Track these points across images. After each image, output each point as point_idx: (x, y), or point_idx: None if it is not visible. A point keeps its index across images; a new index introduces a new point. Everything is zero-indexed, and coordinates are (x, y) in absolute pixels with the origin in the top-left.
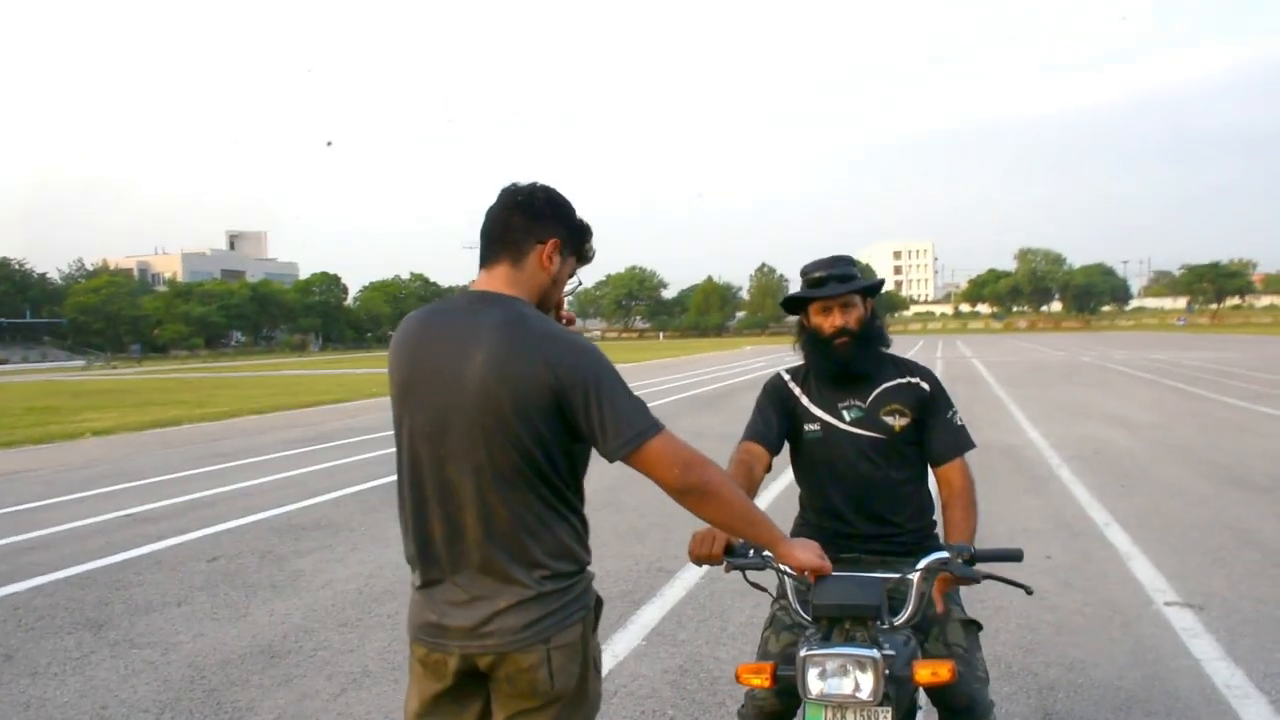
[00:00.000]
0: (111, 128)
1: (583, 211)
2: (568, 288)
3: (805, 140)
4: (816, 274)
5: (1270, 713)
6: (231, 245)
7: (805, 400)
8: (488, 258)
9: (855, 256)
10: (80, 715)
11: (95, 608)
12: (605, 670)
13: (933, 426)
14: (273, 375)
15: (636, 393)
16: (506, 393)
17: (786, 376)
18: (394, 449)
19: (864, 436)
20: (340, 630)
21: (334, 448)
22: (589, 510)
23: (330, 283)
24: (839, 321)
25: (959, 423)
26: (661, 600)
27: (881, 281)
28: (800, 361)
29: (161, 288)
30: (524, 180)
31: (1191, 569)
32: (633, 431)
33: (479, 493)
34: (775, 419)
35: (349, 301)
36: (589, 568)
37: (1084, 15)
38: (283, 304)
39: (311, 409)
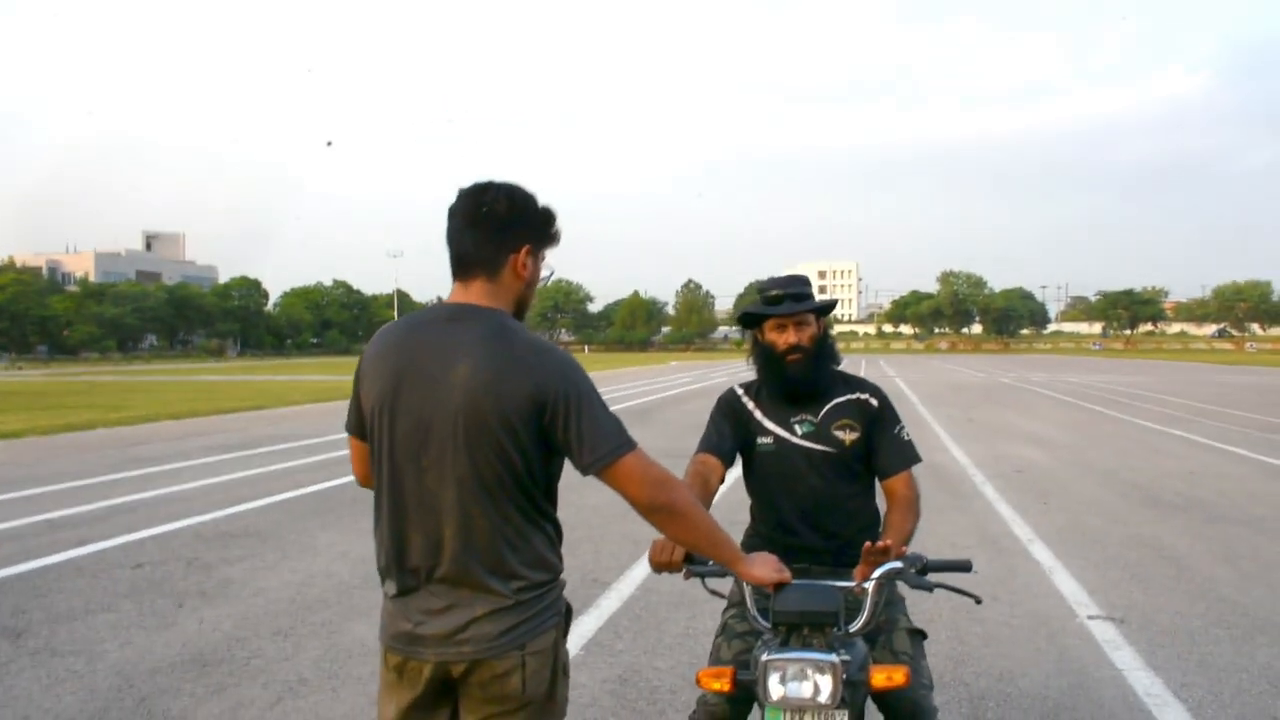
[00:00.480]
0: (37, 121)
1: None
2: (542, 277)
3: (731, 159)
4: (773, 292)
5: (1188, 719)
6: (148, 246)
7: (759, 414)
8: (461, 274)
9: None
10: None
11: (12, 615)
12: None
13: (880, 441)
14: (190, 380)
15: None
16: (492, 404)
17: (740, 391)
18: (318, 457)
19: (815, 450)
20: (274, 639)
21: (258, 455)
22: None
23: (250, 287)
24: (792, 339)
25: (906, 438)
26: (598, 611)
27: (835, 301)
28: (752, 376)
29: (72, 288)
30: (470, 179)
31: (1112, 583)
32: (609, 447)
33: (460, 504)
34: (729, 431)
35: (269, 307)
36: (561, 575)
37: (1004, 50)
38: (200, 308)
39: (232, 415)
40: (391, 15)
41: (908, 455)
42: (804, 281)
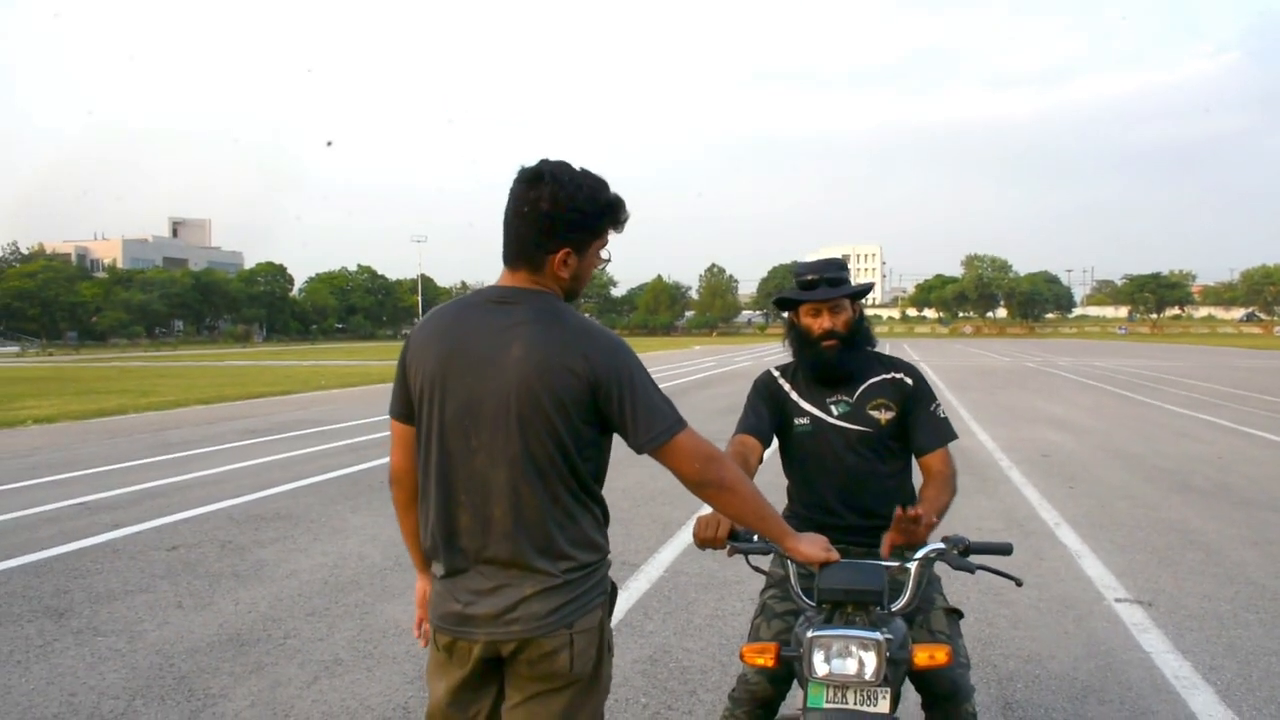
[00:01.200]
0: (65, 111)
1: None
2: (601, 262)
3: (756, 143)
4: (809, 276)
5: (1216, 701)
6: (174, 232)
7: (795, 395)
8: (508, 261)
9: (806, 260)
10: (48, 703)
11: (54, 596)
12: None
13: (916, 419)
14: (217, 366)
15: None
16: (545, 386)
17: (776, 373)
18: (346, 441)
19: (852, 430)
20: (308, 619)
21: (287, 439)
22: None
23: (276, 273)
24: (827, 324)
25: (941, 415)
26: (627, 593)
27: (870, 285)
28: (787, 358)
29: (101, 274)
30: (491, 160)
31: (1139, 567)
32: (663, 426)
33: (511, 484)
34: (767, 413)
35: (294, 293)
36: (608, 555)
37: (1031, 31)
38: (226, 294)
39: (260, 400)
40: (390, 16)
41: (944, 433)
42: (839, 266)
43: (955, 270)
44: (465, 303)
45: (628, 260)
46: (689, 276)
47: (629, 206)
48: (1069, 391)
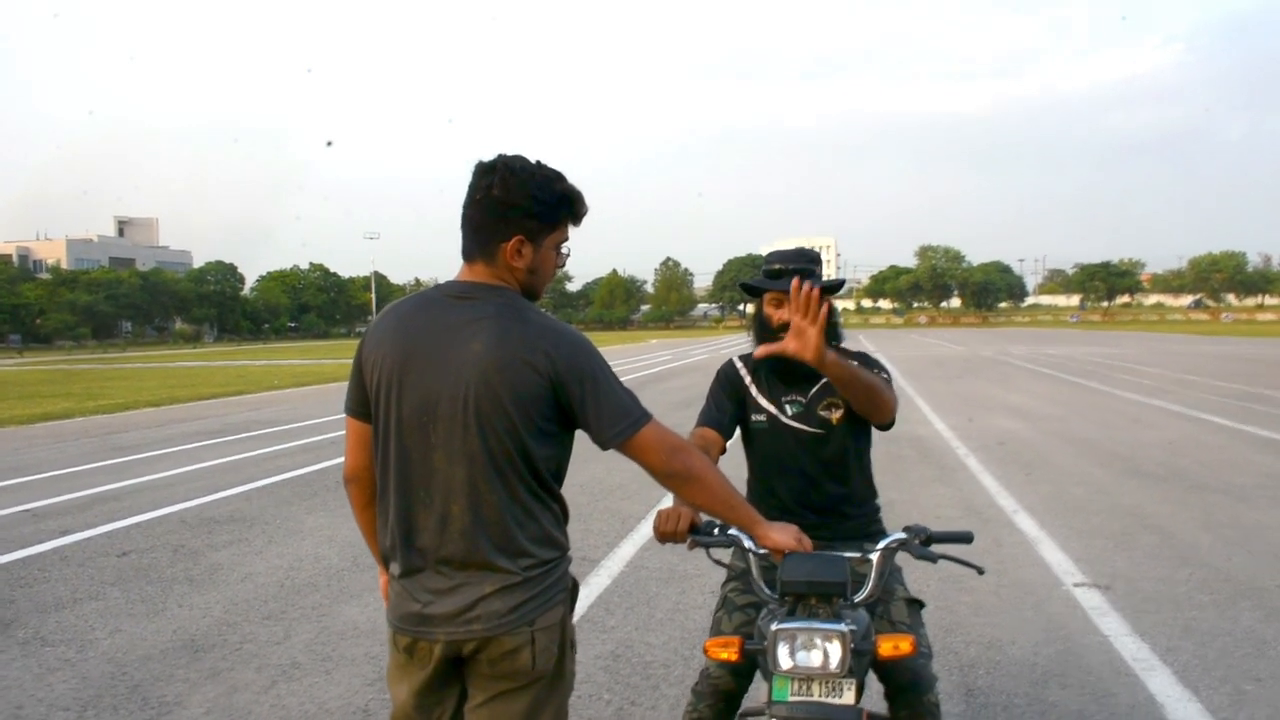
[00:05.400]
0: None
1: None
2: (560, 259)
3: (709, 134)
4: (776, 266)
5: (1174, 682)
6: (121, 232)
7: (754, 390)
8: (465, 253)
9: (760, 252)
10: None
11: (0, 606)
12: None
13: None
14: (167, 367)
15: None
16: (505, 382)
17: (739, 363)
18: (300, 441)
19: (805, 431)
20: (265, 623)
21: (239, 440)
22: None
23: (226, 272)
24: (788, 316)
25: (885, 376)
26: (588, 589)
27: (840, 282)
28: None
29: (44, 275)
30: (494, 153)
31: (1096, 552)
32: (628, 421)
33: (470, 481)
34: (728, 405)
35: (246, 292)
36: (568, 552)
37: (985, 23)
38: (175, 293)
39: (212, 401)
40: (390, 16)
41: (874, 368)
42: (810, 258)
43: (909, 261)
44: (424, 298)
45: (583, 255)
46: (644, 270)
47: (587, 200)
48: (1024, 380)
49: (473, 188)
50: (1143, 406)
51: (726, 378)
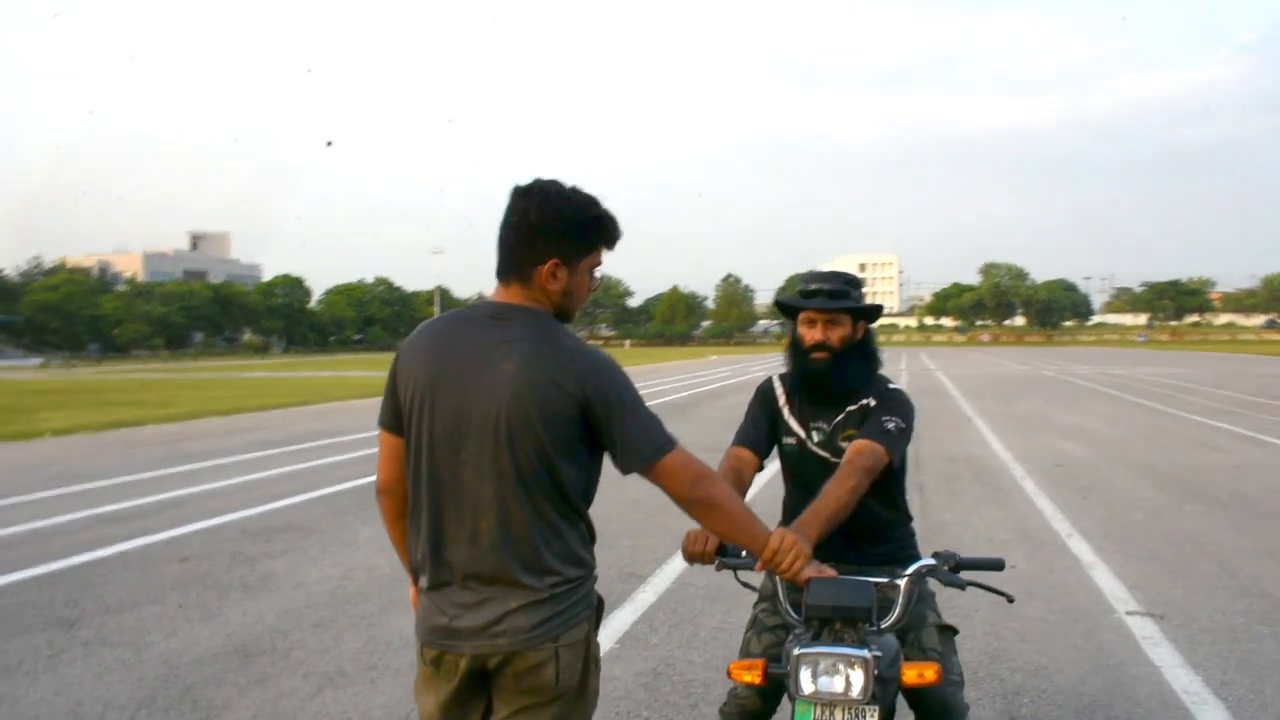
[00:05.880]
0: (80, 126)
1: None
2: (594, 282)
3: (772, 151)
4: (810, 286)
5: (1227, 717)
6: (194, 245)
7: (786, 412)
8: (500, 275)
9: (821, 270)
10: (55, 713)
11: (65, 607)
12: None
13: (865, 425)
14: (235, 377)
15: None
16: (535, 402)
17: (776, 382)
18: (360, 453)
19: (828, 460)
20: (315, 631)
21: (300, 451)
22: None
23: (294, 285)
24: (819, 336)
25: (890, 426)
26: (633, 605)
27: (878, 307)
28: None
29: (122, 287)
30: (533, 175)
31: (1151, 579)
32: (652, 447)
33: (499, 497)
34: (764, 423)
35: (313, 305)
36: (594, 570)
37: (1049, 37)
38: (245, 306)
39: (276, 411)
40: (391, 15)
41: (879, 433)
42: (846, 280)
43: (972, 278)
44: (459, 316)
45: (644, 271)
46: (705, 286)
47: (643, 216)
48: (1085, 400)
49: (509, 210)
50: (1209, 429)
51: (764, 396)
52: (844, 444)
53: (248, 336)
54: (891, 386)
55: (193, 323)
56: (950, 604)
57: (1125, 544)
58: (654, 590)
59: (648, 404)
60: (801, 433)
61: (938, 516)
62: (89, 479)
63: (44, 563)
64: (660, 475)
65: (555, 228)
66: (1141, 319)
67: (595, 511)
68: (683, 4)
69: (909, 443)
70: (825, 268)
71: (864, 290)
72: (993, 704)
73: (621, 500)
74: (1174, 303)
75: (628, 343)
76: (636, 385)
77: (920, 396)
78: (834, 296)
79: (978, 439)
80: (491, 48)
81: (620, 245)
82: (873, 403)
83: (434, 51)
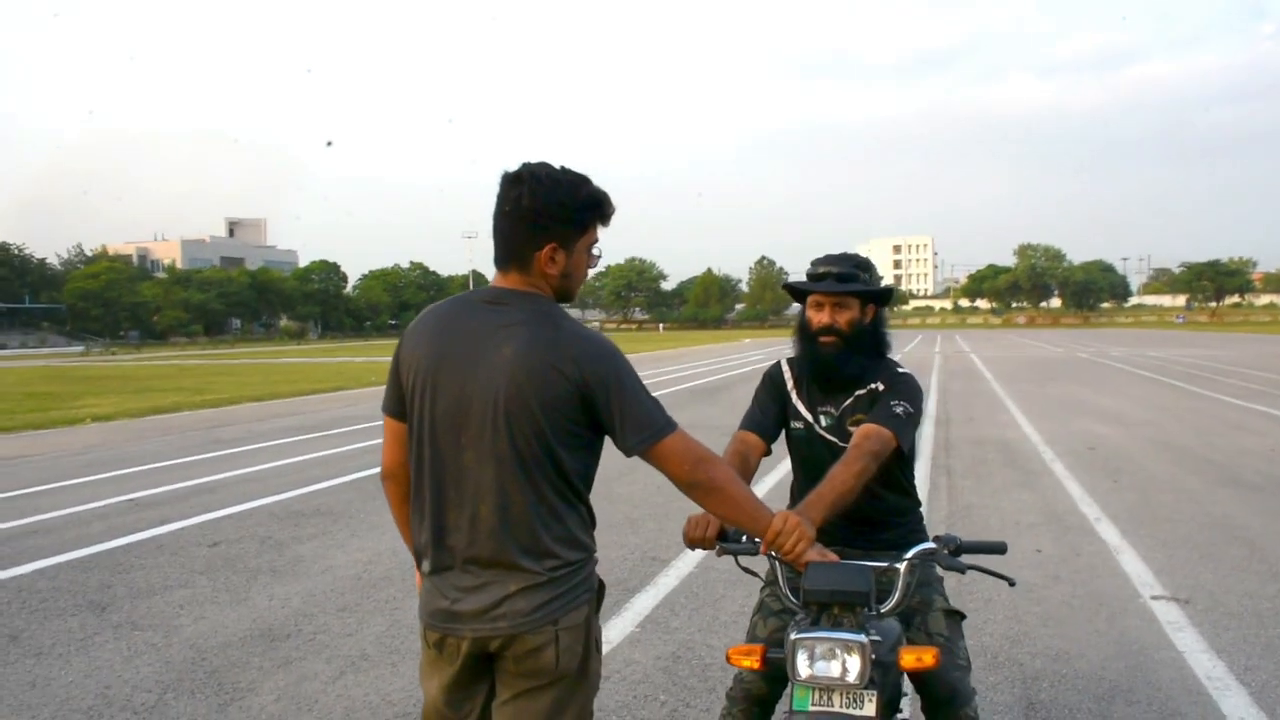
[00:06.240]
0: (114, 117)
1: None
2: (592, 260)
3: (805, 135)
4: (820, 269)
5: (1250, 703)
6: (231, 233)
7: (795, 396)
8: (499, 263)
9: (856, 251)
10: (84, 695)
11: (98, 590)
12: None
13: (873, 410)
14: (272, 363)
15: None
16: (534, 386)
17: (784, 366)
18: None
19: (836, 444)
20: (339, 615)
21: (333, 435)
22: None
23: (329, 271)
24: (827, 320)
25: (899, 411)
26: (655, 589)
27: (888, 290)
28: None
29: (161, 274)
30: (522, 160)
31: (1179, 563)
32: (652, 429)
33: (499, 481)
34: (772, 408)
35: (348, 290)
36: (594, 554)
37: (1084, 17)
38: (282, 292)
39: (310, 397)
40: (393, 15)
41: (888, 418)
42: (855, 262)
43: (1008, 260)
44: (460, 301)
45: (677, 253)
46: (739, 269)
47: (679, 197)
48: (1121, 383)
49: (501, 199)
50: (1246, 412)
51: (771, 380)
52: (852, 428)
53: (284, 322)
54: (900, 370)
55: (230, 309)
56: (970, 589)
57: (1154, 528)
58: (676, 574)
59: (674, 388)
60: (809, 417)
61: (965, 500)
62: (126, 464)
63: (79, 547)
64: (660, 458)
65: (549, 212)
66: (1180, 300)
67: (621, 495)
68: None
69: (918, 427)
70: (860, 249)
71: (877, 273)
72: (1011, 688)
73: (648, 484)
74: (1213, 283)
75: (661, 326)
76: (669, 369)
77: (952, 379)
78: (842, 279)
79: (1009, 422)
80: (492, 47)
81: (654, 228)
82: (881, 387)
83: (434, 52)
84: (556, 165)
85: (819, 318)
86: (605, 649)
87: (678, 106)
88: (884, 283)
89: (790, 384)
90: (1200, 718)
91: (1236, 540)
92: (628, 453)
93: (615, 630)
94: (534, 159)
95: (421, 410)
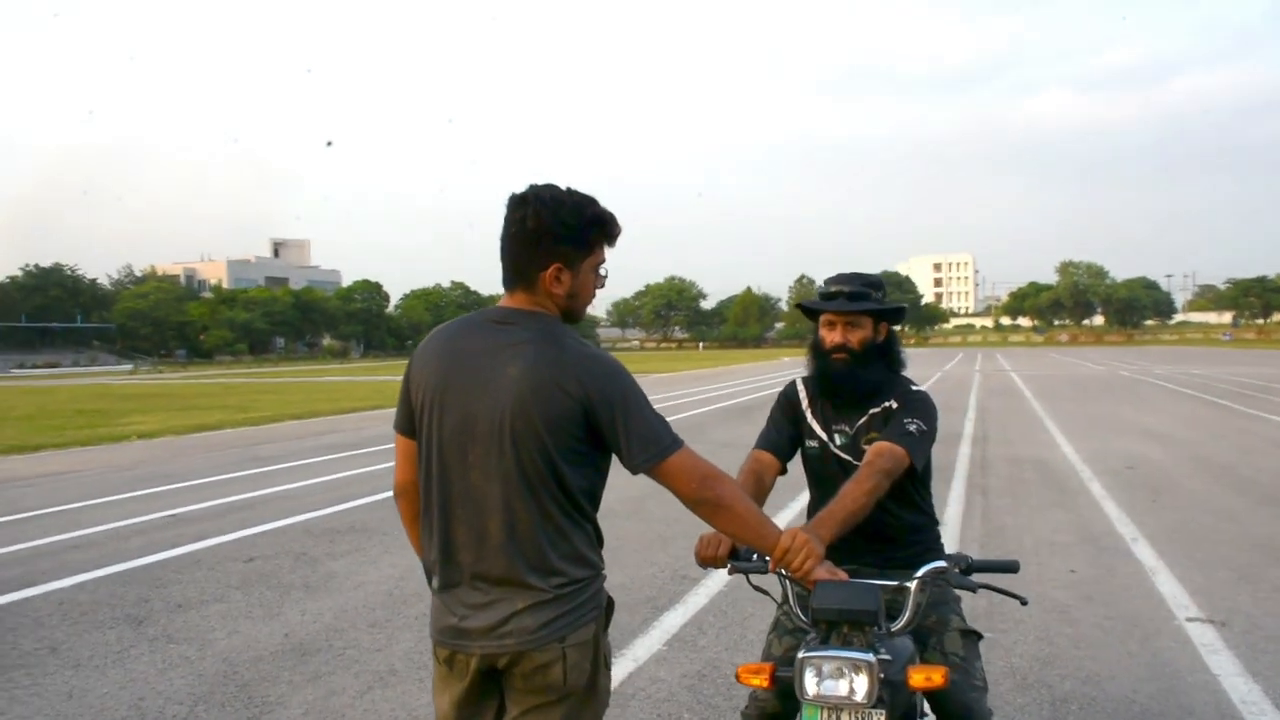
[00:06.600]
0: (165, 140)
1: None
2: (599, 280)
3: (845, 152)
4: (831, 288)
5: None
6: (276, 253)
7: (809, 415)
8: (506, 284)
9: (896, 270)
10: (119, 706)
11: (135, 604)
12: (626, 674)
13: (887, 427)
14: (314, 381)
15: (677, 402)
16: (540, 405)
17: (799, 385)
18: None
19: (851, 463)
20: (369, 630)
21: (371, 453)
22: (616, 519)
23: (372, 290)
24: (839, 338)
25: (912, 429)
26: (684, 607)
27: (899, 309)
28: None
29: (207, 294)
30: (528, 182)
31: (1217, 585)
32: (658, 447)
33: (505, 499)
34: (787, 427)
35: (390, 309)
36: (601, 571)
37: (1124, 30)
38: (325, 311)
39: (350, 415)
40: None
41: (900, 437)
42: (867, 281)
43: (1050, 278)
44: (468, 321)
45: (716, 272)
46: (778, 288)
47: (710, 214)
48: (1163, 401)
49: (507, 221)
50: None
51: (786, 399)
52: (866, 446)
53: (327, 341)
54: (915, 389)
55: (274, 328)
56: (1001, 610)
57: (1193, 548)
58: (706, 593)
59: (710, 406)
60: (824, 435)
61: (999, 520)
62: (168, 481)
63: (120, 561)
64: (666, 476)
65: (554, 233)
66: (1226, 317)
67: (654, 514)
68: (750, 7)
69: (931, 445)
70: (900, 269)
71: (885, 293)
72: (1039, 711)
73: (679, 503)
74: (1260, 300)
75: (701, 345)
76: (707, 387)
77: (991, 397)
78: (854, 298)
79: (1048, 441)
80: (491, 47)
81: (693, 248)
82: (895, 405)
83: (434, 52)
84: (563, 187)
85: (831, 336)
86: (631, 666)
87: (711, 122)
88: (922, 300)
89: (805, 403)
90: None
91: (1277, 562)
92: (634, 470)
93: (642, 648)
94: (537, 162)
95: (430, 429)
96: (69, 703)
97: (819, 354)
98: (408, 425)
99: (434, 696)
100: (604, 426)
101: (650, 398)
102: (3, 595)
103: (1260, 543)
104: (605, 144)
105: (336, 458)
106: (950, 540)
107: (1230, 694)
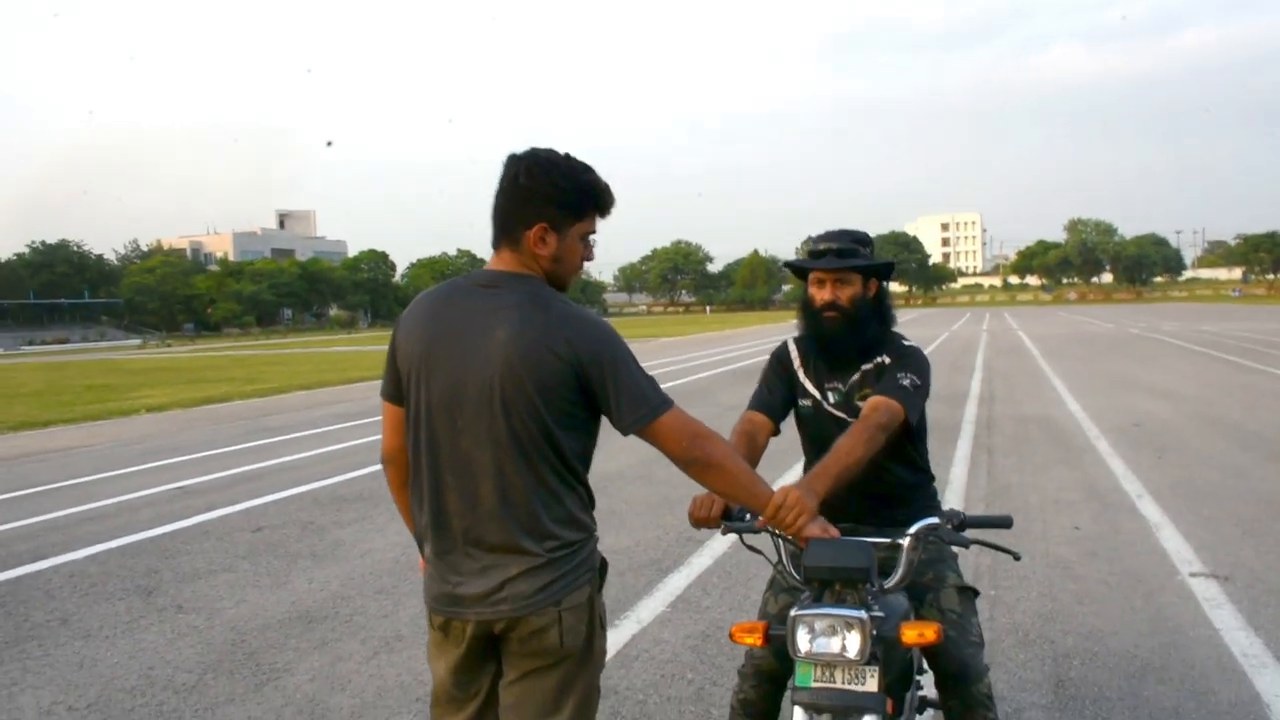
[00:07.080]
0: (171, 113)
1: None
2: (587, 250)
3: (850, 111)
4: (819, 245)
5: None
6: (281, 224)
7: (802, 374)
8: (493, 242)
9: (904, 230)
10: (129, 675)
11: (145, 575)
12: (629, 636)
13: (880, 382)
14: (322, 352)
15: (685, 366)
16: (529, 368)
17: (791, 345)
18: None
19: (845, 420)
20: (376, 597)
21: (378, 422)
22: (624, 483)
23: (378, 260)
24: (828, 296)
25: (905, 383)
26: (689, 569)
27: (889, 264)
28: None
29: (214, 267)
30: (529, 145)
31: (1221, 540)
32: (647, 407)
33: (496, 464)
34: (779, 387)
35: (397, 278)
36: (594, 533)
37: None
38: (332, 281)
39: (357, 385)
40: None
41: (894, 390)
42: (855, 238)
43: (1058, 235)
44: (453, 285)
45: (723, 234)
46: (786, 249)
47: (719, 181)
48: (1171, 358)
49: (501, 177)
50: None
51: (778, 360)
52: (860, 403)
53: (334, 311)
54: (907, 343)
55: (282, 300)
56: (1004, 567)
57: (1197, 504)
58: (710, 555)
59: (719, 369)
60: (817, 394)
61: (1004, 478)
62: (177, 453)
63: (130, 533)
64: (656, 435)
65: (543, 192)
66: (1236, 273)
67: (660, 477)
68: None
69: (925, 399)
70: (908, 228)
71: (874, 249)
72: (1041, 666)
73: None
74: (1271, 255)
75: (708, 309)
76: (715, 350)
77: (998, 356)
78: (842, 255)
79: (1054, 399)
80: (494, 47)
81: (701, 211)
82: (888, 360)
83: (434, 51)
84: (561, 152)
85: (821, 294)
86: (635, 628)
87: (717, 81)
88: (930, 259)
89: (797, 362)
90: (1233, 695)
91: None
92: (624, 431)
93: (646, 610)
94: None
95: (418, 395)
96: (80, 672)
97: (809, 313)
98: (395, 392)
99: (430, 663)
100: (594, 388)
101: (658, 362)
102: (15, 568)
103: (1265, 497)
104: (604, 110)
105: (343, 427)
106: (956, 498)
107: (1231, 647)
